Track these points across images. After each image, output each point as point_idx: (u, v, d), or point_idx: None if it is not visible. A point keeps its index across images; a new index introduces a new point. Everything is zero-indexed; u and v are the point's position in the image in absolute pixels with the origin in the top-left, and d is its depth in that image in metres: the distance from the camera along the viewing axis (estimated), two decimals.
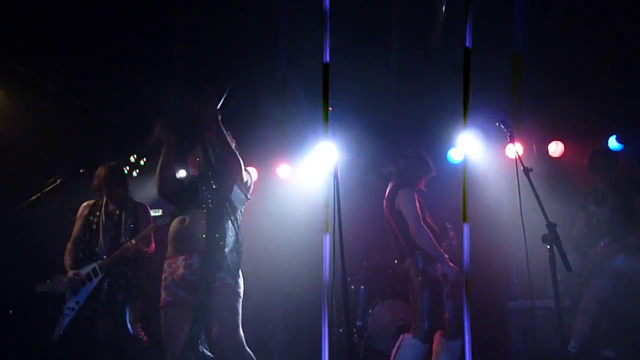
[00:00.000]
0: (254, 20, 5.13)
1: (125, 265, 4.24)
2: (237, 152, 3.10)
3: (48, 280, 4.24)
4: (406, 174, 4.16)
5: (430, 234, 3.88)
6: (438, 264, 3.82)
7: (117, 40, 5.06)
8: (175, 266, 3.04)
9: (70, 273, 4.17)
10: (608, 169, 4.44)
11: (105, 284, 4.17)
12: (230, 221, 3.02)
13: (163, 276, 3.08)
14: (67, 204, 4.71)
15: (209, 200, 2.96)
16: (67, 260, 4.29)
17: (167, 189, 3.20)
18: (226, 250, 3.00)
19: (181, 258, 3.03)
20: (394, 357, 3.86)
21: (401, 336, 3.97)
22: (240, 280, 3.10)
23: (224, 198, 3.00)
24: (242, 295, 3.08)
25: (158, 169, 3.20)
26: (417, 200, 3.96)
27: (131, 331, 4.20)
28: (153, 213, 4.83)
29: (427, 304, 3.84)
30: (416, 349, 3.81)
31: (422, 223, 3.89)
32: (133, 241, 4.15)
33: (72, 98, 5.59)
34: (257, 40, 5.28)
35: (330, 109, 3.35)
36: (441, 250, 3.86)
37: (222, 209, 2.96)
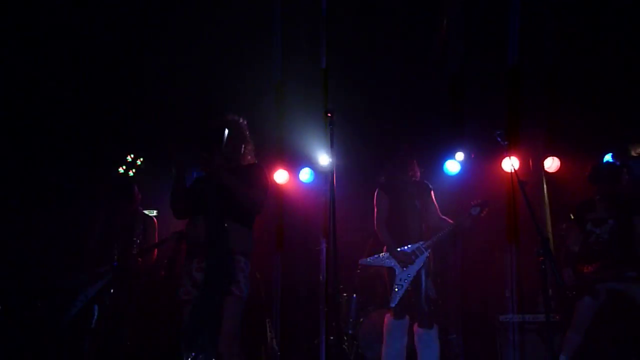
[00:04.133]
0: (250, 26, 5.15)
1: (130, 274, 4.65)
2: (251, 189, 3.21)
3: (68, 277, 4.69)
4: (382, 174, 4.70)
5: (383, 228, 4.44)
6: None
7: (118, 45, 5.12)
8: (189, 267, 3.16)
9: (89, 271, 4.60)
10: (610, 182, 4.45)
11: (114, 286, 4.57)
12: (239, 227, 3.17)
13: (181, 275, 3.22)
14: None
15: (215, 207, 3.11)
16: (86, 260, 4.73)
17: (180, 216, 3.36)
18: (234, 256, 3.10)
19: (195, 260, 3.14)
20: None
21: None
22: (246, 288, 3.13)
23: (232, 205, 3.14)
24: (245, 300, 3.13)
25: (170, 196, 3.32)
26: (380, 198, 4.51)
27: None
28: (148, 213, 5.18)
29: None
30: (390, 325, 4.31)
31: (377, 220, 4.48)
32: (140, 259, 4.66)
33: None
34: (252, 47, 5.31)
35: (329, 115, 3.36)
36: (389, 243, 4.39)
37: (227, 216, 3.11)
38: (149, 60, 5.31)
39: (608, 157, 5.91)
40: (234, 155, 3.36)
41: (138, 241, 4.78)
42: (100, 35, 5.04)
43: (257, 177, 3.32)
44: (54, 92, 5.53)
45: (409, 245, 4.40)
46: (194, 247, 3.16)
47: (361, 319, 5.38)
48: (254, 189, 3.24)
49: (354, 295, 5.69)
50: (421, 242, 4.40)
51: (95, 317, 4.52)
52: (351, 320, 5.55)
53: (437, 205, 4.59)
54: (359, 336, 5.32)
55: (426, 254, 4.38)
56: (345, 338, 5.48)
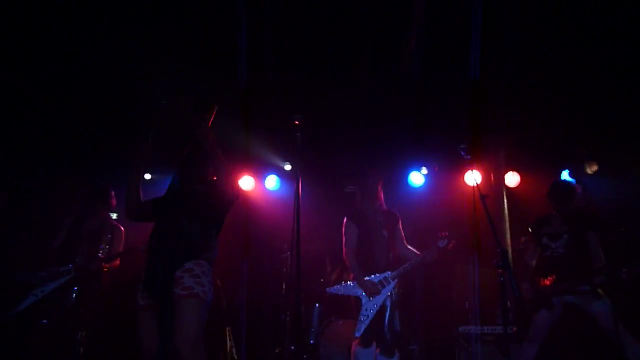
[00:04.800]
0: (216, 32, 5.13)
1: (94, 278, 4.74)
2: (230, 167, 3.18)
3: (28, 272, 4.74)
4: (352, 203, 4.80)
5: (351, 258, 4.49)
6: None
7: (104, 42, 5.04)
8: (147, 273, 3.14)
9: (48, 268, 4.68)
10: (567, 199, 4.60)
11: (75, 288, 4.65)
12: (202, 231, 3.17)
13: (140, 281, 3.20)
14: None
15: (178, 212, 3.13)
16: (49, 258, 4.78)
17: (132, 215, 3.30)
18: (196, 259, 3.10)
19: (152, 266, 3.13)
20: None
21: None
22: (210, 293, 3.12)
23: (195, 209, 3.15)
24: (209, 304, 3.11)
25: (126, 193, 3.26)
26: (348, 227, 4.58)
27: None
28: (116, 220, 5.26)
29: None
30: (358, 353, 4.33)
31: (346, 249, 4.54)
32: (103, 263, 4.74)
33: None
34: (219, 53, 5.29)
35: (296, 122, 3.36)
36: (356, 272, 4.46)
37: (194, 220, 3.13)
38: (112, 65, 5.22)
39: (565, 174, 6.12)
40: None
41: (104, 248, 4.82)
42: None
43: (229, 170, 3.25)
44: (27, 94, 5.44)
45: (376, 275, 4.47)
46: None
47: (323, 329, 5.37)
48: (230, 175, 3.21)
49: (317, 304, 5.68)
50: (388, 272, 4.47)
51: (49, 314, 4.54)
52: (313, 329, 5.53)
53: (403, 235, 4.69)
54: (320, 346, 5.30)
55: (392, 284, 4.46)
56: (307, 348, 5.46)
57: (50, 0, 4.58)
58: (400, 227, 4.69)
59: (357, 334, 4.35)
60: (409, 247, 4.65)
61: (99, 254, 4.76)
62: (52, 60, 5.15)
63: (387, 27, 5.02)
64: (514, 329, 5.14)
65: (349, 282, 4.57)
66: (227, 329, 5.42)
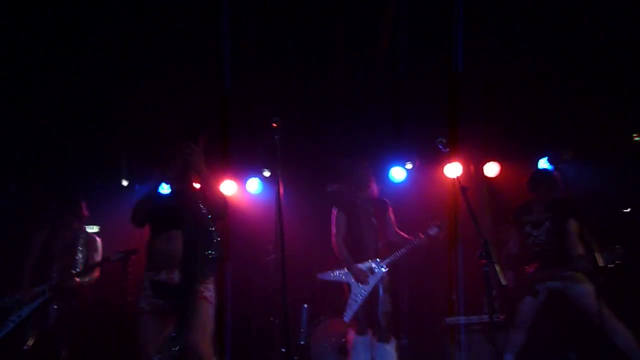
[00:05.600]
0: (197, 34, 5.09)
1: (72, 294, 4.60)
2: (221, 193, 3.47)
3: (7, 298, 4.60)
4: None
5: (340, 246, 4.53)
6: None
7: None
8: (157, 278, 3.29)
9: (24, 291, 4.53)
10: (548, 189, 4.66)
11: (55, 306, 4.51)
12: (206, 239, 3.35)
13: (143, 286, 3.32)
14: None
15: (188, 223, 3.31)
16: (23, 279, 4.62)
17: (139, 221, 3.47)
18: (203, 265, 3.30)
19: (164, 272, 3.28)
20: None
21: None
22: (214, 292, 3.34)
23: (201, 220, 3.35)
24: (215, 305, 3.33)
25: (140, 199, 3.45)
26: (338, 216, 4.60)
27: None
28: (89, 230, 5.08)
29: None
30: (354, 341, 4.38)
31: (335, 238, 4.57)
32: (77, 279, 4.58)
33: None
34: (201, 54, 5.25)
35: (274, 125, 3.35)
36: (346, 259, 4.51)
37: (198, 230, 3.32)
38: (86, 68, 5.14)
39: (544, 161, 6.19)
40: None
41: (80, 261, 4.68)
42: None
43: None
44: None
45: (365, 262, 4.51)
46: (167, 260, 3.27)
47: (313, 329, 5.36)
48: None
49: (305, 305, 5.67)
50: (377, 260, 4.49)
51: (29, 338, 4.40)
52: (302, 330, 5.52)
53: (394, 221, 4.72)
54: (310, 346, 5.30)
55: (382, 271, 4.48)
56: (296, 349, 5.45)
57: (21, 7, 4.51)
58: (391, 213, 4.72)
59: (346, 319, 4.42)
60: (399, 232, 4.68)
61: (75, 269, 4.62)
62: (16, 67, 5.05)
63: (363, 21, 5.04)
64: (501, 317, 5.20)
65: (339, 270, 4.61)
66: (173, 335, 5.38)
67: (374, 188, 4.74)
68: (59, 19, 4.62)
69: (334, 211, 4.66)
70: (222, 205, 3.43)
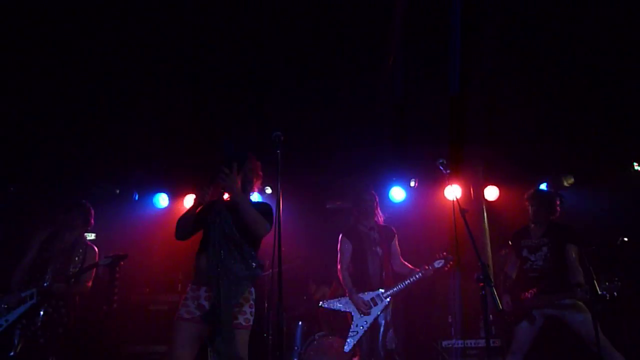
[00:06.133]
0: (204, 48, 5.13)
1: (61, 300, 4.49)
2: (258, 214, 3.45)
3: None
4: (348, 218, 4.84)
5: (345, 275, 4.56)
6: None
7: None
8: (197, 294, 3.43)
9: (11, 295, 4.41)
10: (547, 206, 4.66)
11: (42, 311, 4.40)
12: (242, 259, 3.40)
13: (185, 296, 3.47)
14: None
15: (213, 243, 3.36)
16: (15, 280, 4.53)
17: (180, 238, 3.60)
18: (230, 285, 3.33)
19: (203, 289, 3.41)
20: None
21: None
22: (250, 314, 3.42)
23: (231, 240, 3.39)
24: (250, 328, 3.43)
25: (180, 217, 3.57)
26: (343, 243, 4.67)
27: None
28: (87, 237, 5.04)
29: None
30: None
31: (340, 266, 4.62)
32: (66, 284, 4.46)
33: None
34: (206, 69, 5.29)
35: (276, 140, 3.35)
36: (350, 289, 4.53)
37: (225, 250, 3.35)
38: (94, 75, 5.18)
39: (544, 187, 6.20)
40: (247, 186, 3.65)
41: (75, 266, 4.59)
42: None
43: (266, 210, 3.55)
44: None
45: (369, 292, 4.53)
46: (203, 277, 3.36)
47: (307, 347, 5.30)
48: (262, 216, 3.47)
49: (300, 323, 5.63)
50: (381, 290, 4.50)
51: (16, 343, 4.32)
52: (296, 348, 5.47)
53: (399, 250, 4.74)
54: None
55: (385, 302, 4.48)
56: None
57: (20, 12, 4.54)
58: (396, 243, 4.75)
59: (346, 349, 4.43)
60: (405, 262, 4.69)
61: (67, 274, 4.51)
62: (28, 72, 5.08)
63: (366, 41, 5.08)
64: (497, 342, 5.16)
65: (342, 298, 4.63)
66: (209, 349, 5.32)
67: (380, 215, 4.76)
68: (67, 22, 4.65)
69: (340, 237, 4.70)
70: (255, 225, 3.41)
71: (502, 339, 4.99)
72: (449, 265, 4.59)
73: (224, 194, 3.53)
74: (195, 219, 3.53)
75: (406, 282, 4.55)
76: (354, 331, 4.44)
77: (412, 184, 6.47)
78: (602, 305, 4.10)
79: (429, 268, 4.54)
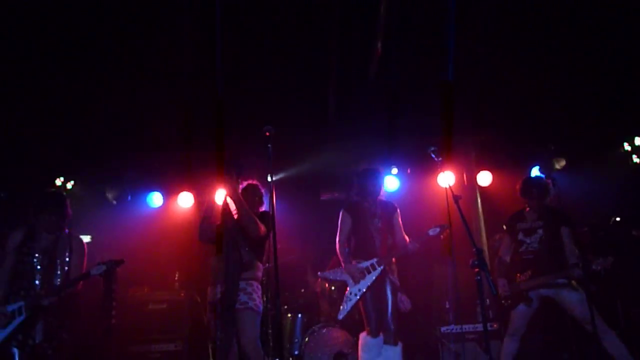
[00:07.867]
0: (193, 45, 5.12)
1: (56, 310, 3.97)
2: (255, 218, 3.94)
3: None
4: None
5: (342, 246, 4.65)
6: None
7: None
8: (216, 291, 3.92)
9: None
10: (538, 195, 4.70)
11: (41, 324, 3.90)
12: (235, 256, 3.95)
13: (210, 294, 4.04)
14: None
15: (232, 245, 3.95)
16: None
17: (203, 240, 4.07)
18: (236, 280, 3.90)
19: (218, 286, 3.88)
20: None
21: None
22: (260, 304, 3.97)
23: (234, 240, 3.94)
24: (260, 313, 3.97)
25: (202, 218, 4.02)
26: (343, 218, 4.73)
27: None
28: (83, 238, 4.46)
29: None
30: (366, 343, 4.42)
31: (338, 238, 4.69)
32: (56, 297, 3.90)
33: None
34: (194, 63, 5.27)
35: (267, 134, 3.38)
36: (345, 258, 4.62)
37: (230, 249, 3.92)
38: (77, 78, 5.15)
39: (535, 170, 6.24)
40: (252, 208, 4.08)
41: (63, 269, 4.03)
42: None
43: (263, 215, 4.13)
44: None
45: (365, 262, 4.53)
46: (218, 276, 3.90)
47: (307, 339, 5.34)
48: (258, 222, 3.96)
49: (299, 315, 5.66)
50: (374, 259, 4.50)
51: None
52: (296, 340, 5.50)
53: (401, 224, 4.74)
54: (305, 356, 5.28)
55: (379, 269, 4.47)
56: (291, 359, 5.43)
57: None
58: (399, 218, 4.74)
59: (340, 316, 4.48)
60: (406, 236, 4.70)
61: (57, 278, 3.98)
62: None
63: (356, 30, 5.07)
64: (495, 325, 5.21)
65: (338, 269, 4.66)
66: (210, 345, 5.34)
67: (380, 192, 4.80)
68: (61, 24, 4.61)
69: (340, 213, 4.75)
70: (250, 227, 3.89)
71: (500, 322, 5.03)
72: (444, 233, 4.58)
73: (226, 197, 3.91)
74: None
75: (398, 250, 4.56)
76: (347, 297, 4.48)
77: (407, 171, 6.47)
78: (597, 285, 4.15)
79: (422, 235, 4.53)
